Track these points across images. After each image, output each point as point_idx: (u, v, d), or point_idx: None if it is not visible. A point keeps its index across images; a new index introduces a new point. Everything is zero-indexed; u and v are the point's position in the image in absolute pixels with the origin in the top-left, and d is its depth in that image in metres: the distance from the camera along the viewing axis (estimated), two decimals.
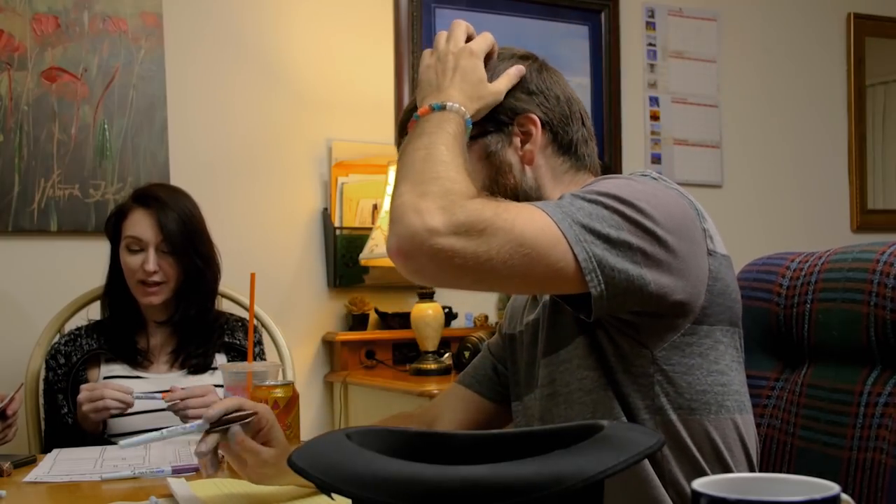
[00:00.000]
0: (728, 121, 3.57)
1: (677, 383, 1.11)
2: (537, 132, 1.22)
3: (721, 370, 1.14)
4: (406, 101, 3.01)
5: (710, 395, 1.13)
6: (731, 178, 3.57)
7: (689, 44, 3.51)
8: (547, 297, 1.21)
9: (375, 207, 2.86)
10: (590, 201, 1.04)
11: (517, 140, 1.22)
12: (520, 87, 1.23)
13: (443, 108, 1.14)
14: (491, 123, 1.22)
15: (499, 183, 1.21)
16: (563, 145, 1.24)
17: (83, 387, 1.85)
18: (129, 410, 1.87)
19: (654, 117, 3.43)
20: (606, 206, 1.04)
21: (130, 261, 2.01)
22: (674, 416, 1.11)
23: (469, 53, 1.20)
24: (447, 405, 1.42)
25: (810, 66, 3.74)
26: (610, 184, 1.09)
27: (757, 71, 3.64)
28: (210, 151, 2.76)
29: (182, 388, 1.85)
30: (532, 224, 1.00)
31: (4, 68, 2.49)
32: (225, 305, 2.27)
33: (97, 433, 1.88)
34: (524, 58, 1.26)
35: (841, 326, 1.22)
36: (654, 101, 3.43)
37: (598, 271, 1.01)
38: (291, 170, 2.87)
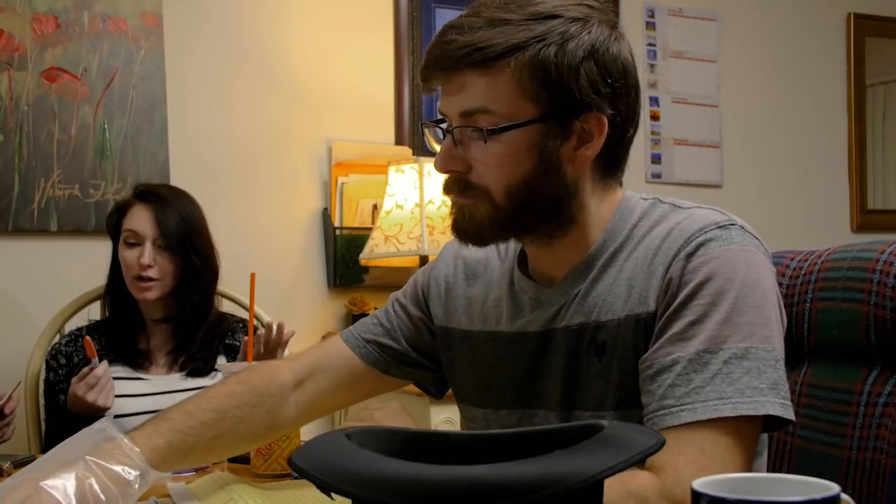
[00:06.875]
0: (728, 121, 3.57)
1: None
2: (600, 138, 1.03)
3: None
4: (406, 101, 3.01)
5: None
6: (731, 178, 3.57)
7: (689, 44, 3.51)
8: (559, 301, 1.09)
9: (375, 207, 2.86)
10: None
11: (574, 139, 1.03)
12: (599, 68, 1.01)
13: None
14: (552, 110, 1.01)
15: (543, 183, 1.03)
16: (613, 155, 1.07)
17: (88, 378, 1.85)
18: (130, 411, 1.87)
19: (654, 117, 3.43)
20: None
21: (127, 255, 2.01)
22: None
23: None
24: (328, 372, 1.24)
25: (810, 65, 3.74)
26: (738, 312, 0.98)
27: (757, 71, 3.64)
28: (210, 151, 2.76)
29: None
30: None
31: (4, 68, 2.49)
32: (225, 305, 2.27)
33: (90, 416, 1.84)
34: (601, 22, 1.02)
35: (840, 326, 1.22)
36: (655, 100, 3.43)
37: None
38: (291, 170, 2.87)
